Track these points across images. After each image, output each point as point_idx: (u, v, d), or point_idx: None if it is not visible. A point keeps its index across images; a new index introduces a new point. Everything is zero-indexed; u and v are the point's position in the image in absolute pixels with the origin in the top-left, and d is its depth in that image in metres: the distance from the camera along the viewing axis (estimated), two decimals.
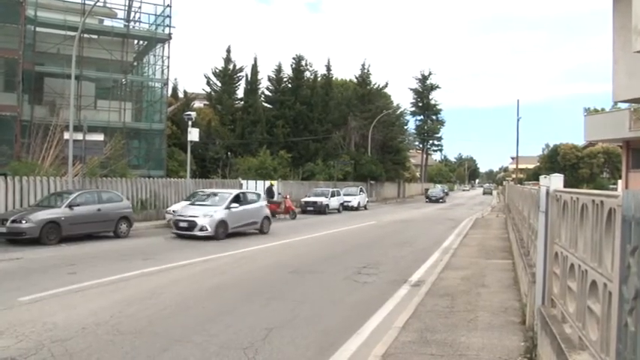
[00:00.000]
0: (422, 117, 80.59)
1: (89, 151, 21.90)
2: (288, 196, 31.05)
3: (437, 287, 10.49)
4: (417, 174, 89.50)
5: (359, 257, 15.23)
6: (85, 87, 31.15)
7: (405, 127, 72.64)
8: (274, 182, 33.05)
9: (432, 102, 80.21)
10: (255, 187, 33.95)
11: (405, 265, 14.19)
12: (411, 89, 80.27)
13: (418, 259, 15.32)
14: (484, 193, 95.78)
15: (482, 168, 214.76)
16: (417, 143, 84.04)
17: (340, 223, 27.18)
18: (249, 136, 46.60)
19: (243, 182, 33.38)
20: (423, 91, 79.65)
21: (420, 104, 79.66)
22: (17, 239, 16.06)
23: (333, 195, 37.31)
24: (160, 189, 26.58)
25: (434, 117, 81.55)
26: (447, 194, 70.14)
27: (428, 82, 79.53)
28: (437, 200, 58.34)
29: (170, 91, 41.92)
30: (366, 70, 59.60)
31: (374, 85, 60.39)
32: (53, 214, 16.70)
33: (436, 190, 65.67)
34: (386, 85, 62.82)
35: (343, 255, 15.84)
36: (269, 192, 31.07)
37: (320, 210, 34.94)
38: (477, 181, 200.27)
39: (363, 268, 13.28)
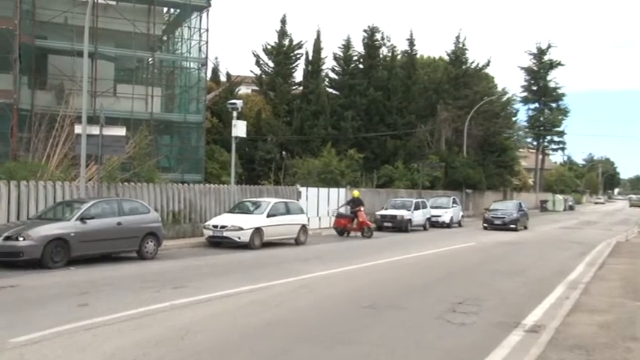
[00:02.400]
0: (537, 105, 79.27)
1: (107, 150, 22.32)
2: (362, 209, 30.87)
3: (563, 336, 10.03)
4: (530, 181, 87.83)
5: (453, 289, 15.01)
6: (101, 67, 31.78)
7: (514, 119, 71.53)
8: (357, 192, 32.81)
9: (552, 84, 78.86)
10: (317, 195, 33.97)
11: (515, 302, 13.82)
12: (523, 68, 79.35)
13: (533, 294, 14.84)
14: (631, 206, 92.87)
15: (625, 174, 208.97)
16: (529, 140, 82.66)
17: (427, 244, 26.94)
18: (309, 131, 46.88)
19: (302, 189, 33.45)
20: (539, 70, 78.41)
21: (535, 88, 78.48)
22: (12, 261, 16.07)
23: (417, 207, 37.00)
24: (197, 198, 26.93)
25: (553, 105, 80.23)
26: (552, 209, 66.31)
27: (546, 57, 78.27)
28: (503, 226, 39.50)
29: (210, 74, 42.70)
30: (461, 45, 59.13)
31: (471, 63, 59.87)
32: (60, 228, 16.89)
33: (504, 206, 43.83)
34: (487, 64, 62.32)
35: (433, 286, 15.67)
36: (355, 204, 30.81)
37: (400, 227, 34.83)
38: (617, 190, 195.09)
39: (458, 304, 13.00)
